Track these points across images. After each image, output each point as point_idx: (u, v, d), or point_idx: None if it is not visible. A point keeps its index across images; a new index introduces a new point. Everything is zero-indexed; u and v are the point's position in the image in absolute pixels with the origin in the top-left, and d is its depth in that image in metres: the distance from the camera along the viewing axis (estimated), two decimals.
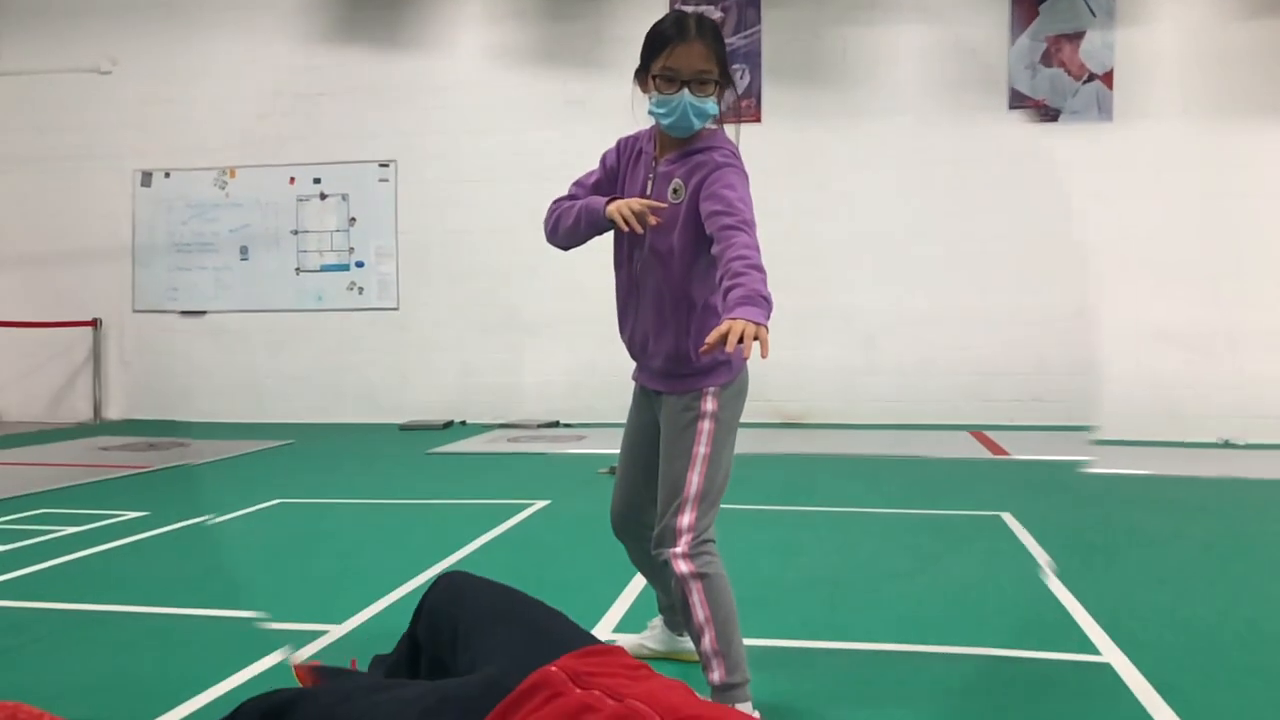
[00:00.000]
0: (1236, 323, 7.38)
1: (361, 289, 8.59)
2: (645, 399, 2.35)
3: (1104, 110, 7.56)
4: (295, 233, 8.65)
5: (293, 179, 8.61)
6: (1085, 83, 7.58)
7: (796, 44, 7.94)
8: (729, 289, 1.89)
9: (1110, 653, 2.63)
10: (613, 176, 2.31)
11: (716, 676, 2.07)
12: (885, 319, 7.81)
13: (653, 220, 2.11)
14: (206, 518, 4.49)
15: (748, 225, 2.01)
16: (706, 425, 2.15)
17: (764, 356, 1.77)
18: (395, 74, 8.41)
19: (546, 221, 2.33)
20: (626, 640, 2.58)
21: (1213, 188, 7.41)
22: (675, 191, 2.16)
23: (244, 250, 8.73)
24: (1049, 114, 7.64)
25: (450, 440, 7.25)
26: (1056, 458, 6.20)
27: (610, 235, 2.27)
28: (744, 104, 7.88)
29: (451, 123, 8.35)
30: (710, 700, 2.01)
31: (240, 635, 2.81)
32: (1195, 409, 7.32)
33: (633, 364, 2.36)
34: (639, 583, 3.15)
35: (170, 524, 4.36)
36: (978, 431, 7.32)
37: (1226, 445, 7.05)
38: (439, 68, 8.36)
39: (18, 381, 9.14)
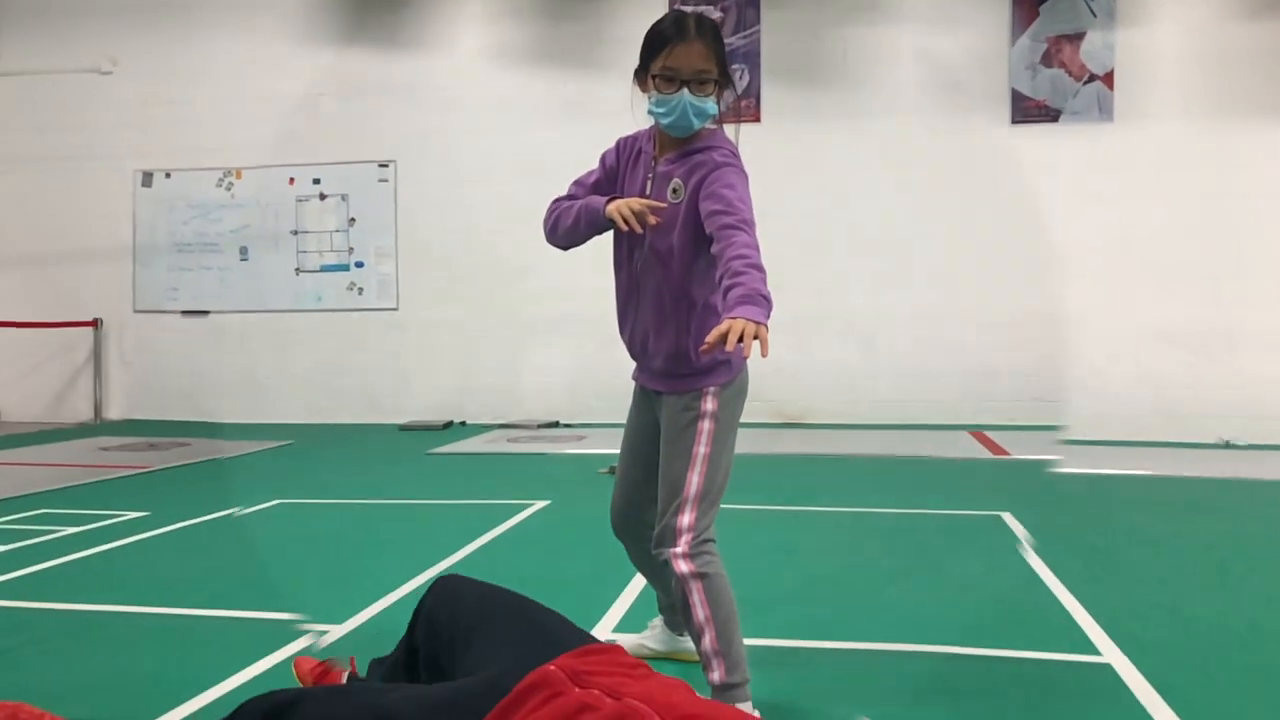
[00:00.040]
0: (1237, 323, 7.38)
1: (361, 289, 8.59)
2: (645, 399, 2.35)
3: (1104, 111, 7.56)
4: (295, 233, 8.65)
5: (292, 179, 8.61)
6: (1086, 83, 7.58)
7: (796, 44, 7.94)
8: (729, 288, 1.89)
9: (1110, 653, 2.63)
10: (612, 176, 2.31)
11: (717, 676, 2.07)
12: (885, 320, 7.81)
13: (652, 220, 2.11)
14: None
15: (747, 224, 2.02)
16: (706, 425, 2.15)
17: (764, 355, 1.78)
18: (395, 74, 8.41)
19: (546, 221, 2.33)
20: (627, 640, 2.58)
21: (1213, 188, 7.40)
22: (675, 191, 2.16)
23: (244, 251, 8.73)
24: (1049, 114, 7.64)
25: (450, 440, 7.25)
26: (1056, 458, 6.20)
27: (610, 235, 2.27)
28: (743, 104, 7.89)
29: (451, 123, 8.35)
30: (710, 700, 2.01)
31: (241, 635, 2.81)
32: (1195, 409, 7.31)
33: (633, 364, 2.36)
34: (639, 583, 3.15)
35: (171, 524, 4.36)
36: (977, 432, 7.31)
37: (1227, 446, 7.05)
38: (438, 68, 8.37)
39: (18, 381, 9.15)
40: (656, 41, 2.12)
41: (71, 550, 3.86)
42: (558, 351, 8.18)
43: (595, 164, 2.35)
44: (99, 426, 8.49)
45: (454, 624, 1.87)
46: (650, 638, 2.59)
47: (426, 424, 8.04)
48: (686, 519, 2.10)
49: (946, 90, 7.74)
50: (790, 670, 2.51)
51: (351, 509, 4.80)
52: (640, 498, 2.36)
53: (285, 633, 2.79)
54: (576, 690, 1.52)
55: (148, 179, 8.89)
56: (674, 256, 2.16)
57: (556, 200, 2.33)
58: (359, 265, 8.59)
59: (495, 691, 1.57)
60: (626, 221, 2.10)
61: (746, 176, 2.13)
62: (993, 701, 2.34)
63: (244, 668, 2.50)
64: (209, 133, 8.72)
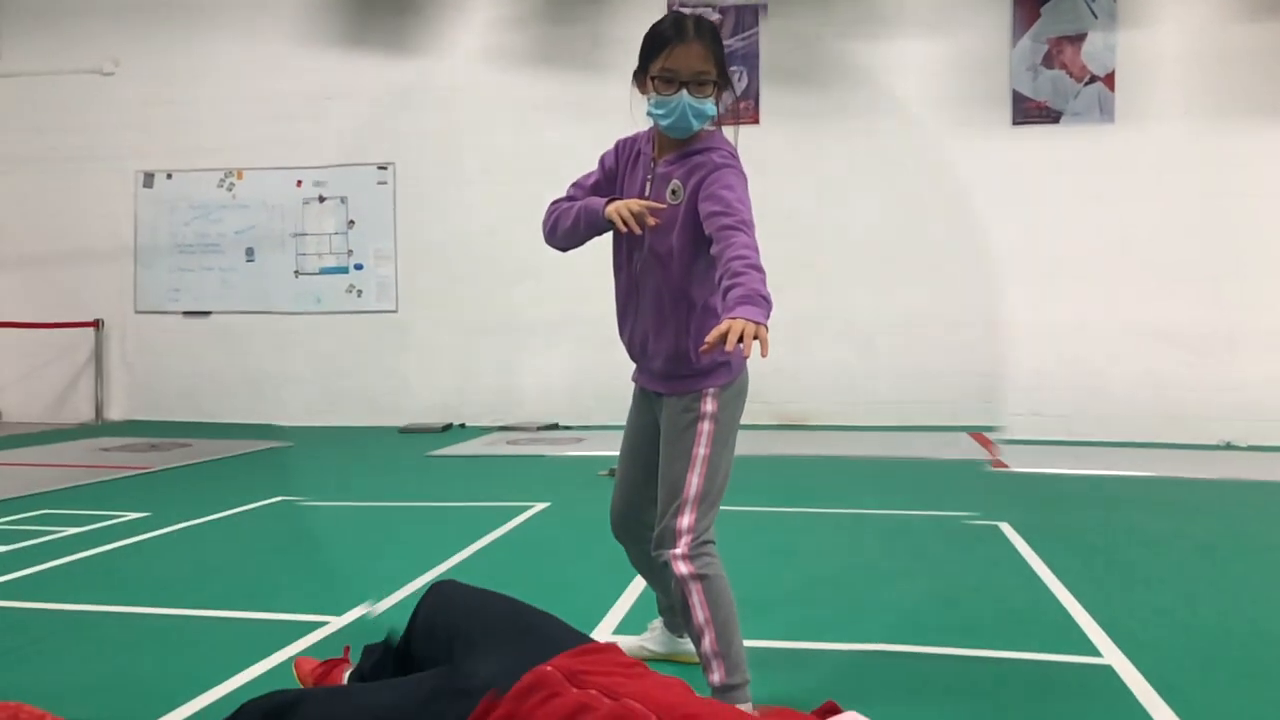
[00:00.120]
0: (1238, 324, 7.37)
1: (360, 292, 8.59)
2: (645, 400, 2.36)
3: (1105, 112, 7.56)
4: (296, 235, 8.65)
5: (299, 181, 8.62)
6: (1087, 84, 7.58)
7: (795, 46, 7.93)
8: (728, 289, 1.89)
9: (1111, 654, 2.63)
10: (611, 178, 2.31)
11: (717, 678, 2.07)
12: (885, 322, 7.79)
13: (651, 221, 2.11)
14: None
15: (746, 225, 2.02)
16: (706, 426, 2.15)
17: (764, 355, 1.78)
18: (394, 76, 8.40)
19: (545, 223, 2.33)
20: (626, 642, 2.57)
21: (1214, 189, 7.40)
22: (674, 192, 2.16)
23: (250, 252, 8.73)
24: (1051, 116, 7.63)
25: (449, 443, 7.25)
26: (1056, 460, 6.20)
27: (609, 237, 2.27)
28: (742, 105, 7.88)
29: (450, 125, 8.35)
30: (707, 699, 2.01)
31: (241, 636, 2.82)
32: (1196, 411, 7.31)
33: (632, 365, 2.36)
34: (639, 584, 3.15)
35: (172, 524, 4.36)
36: (977, 434, 7.31)
37: (1228, 447, 7.05)
38: (438, 70, 8.36)
39: (20, 382, 9.15)
40: (655, 43, 2.12)
41: (73, 551, 3.86)
42: (557, 353, 8.17)
43: (595, 166, 2.35)
44: (100, 427, 8.49)
45: (451, 628, 1.87)
46: (650, 639, 2.59)
47: (426, 426, 8.04)
48: (686, 520, 2.10)
49: (947, 91, 7.73)
50: (790, 671, 2.52)
51: (352, 511, 4.81)
52: (640, 499, 2.36)
53: (285, 633, 2.79)
54: (574, 690, 1.52)
55: (149, 180, 8.90)
56: (673, 258, 2.16)
57: (555, 202, 2.34)
58: (358, 268, 8.59)
59: (492, 683, 1.58)
60: (626, 223, 2.10)
61: (745, 178, 2.13)
62: (993, 702, 2.34)
63: (244, 668, 2.51)
64: (210, 134, 8.72)
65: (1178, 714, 2.22)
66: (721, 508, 2.18)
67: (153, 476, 5.82)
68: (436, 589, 2.03)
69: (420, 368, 8.47)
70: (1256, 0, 7.35)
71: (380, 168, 8.51)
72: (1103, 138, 7.55)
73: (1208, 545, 4.04)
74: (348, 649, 2.26)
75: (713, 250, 2.02)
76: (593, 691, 1.51)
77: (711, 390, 2.17)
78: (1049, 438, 7.34)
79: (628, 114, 2.25)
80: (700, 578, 2.07)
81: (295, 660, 2.34)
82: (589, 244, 2.31)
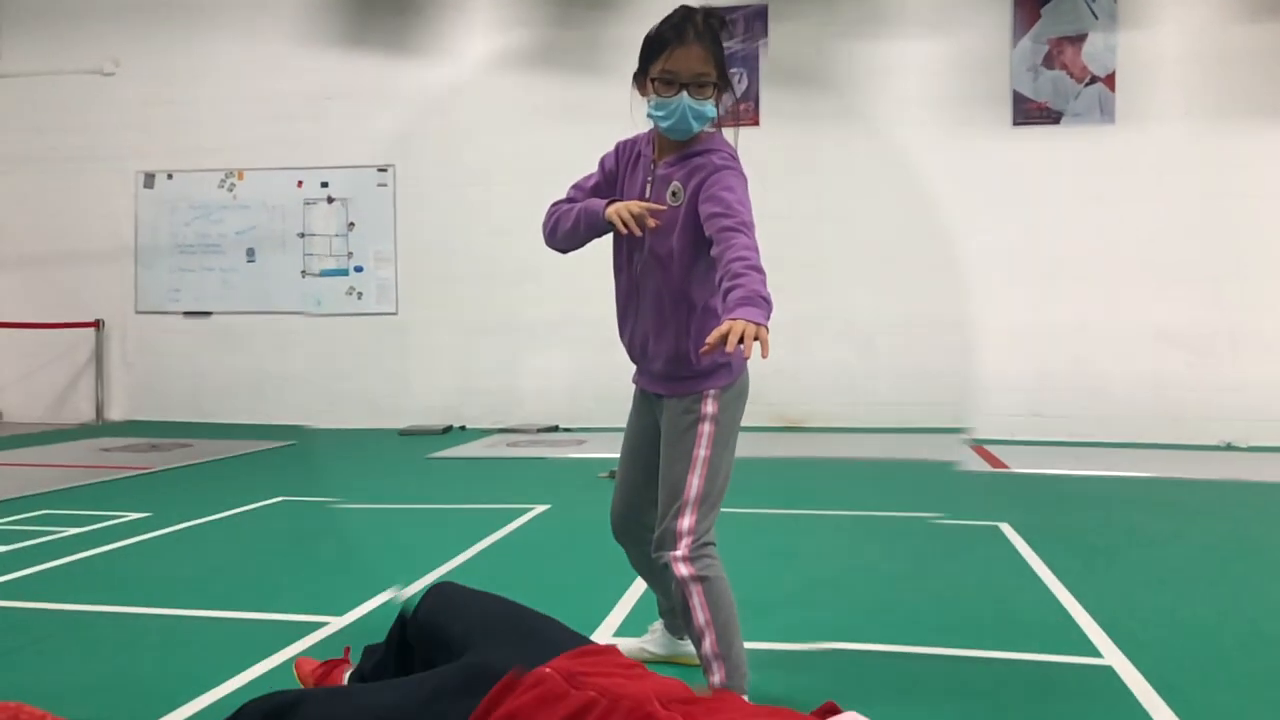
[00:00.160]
0: (1239, 325, 7.37)
1: (360, 294, 8.59)
2: (646, 402, 2.36)
3: (1106, 113, 7.56)
4: (305, 235, 8.65)
5: (300, 182, 8.62)
6: (1087, 85, 7.58)
7: (796, 47, 7.92)
8: (728, 290, 1.90)
9: (1112, 655, 2.63)
10: (611, 180, 2.31)
11: (717, 679, 2.07)
12: (885, 323, 7.78)
13: (651, 223, 2.11)
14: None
15: (747, 227, 2.02)
16: (707, 428, 2.16)
17: (764, 356, 1.78)
18: (395, 78, 8.40)
19: (545, 224, 2.33)
20: (627, 644, 2.57)
21: (1215, 189, 7.40)
22: (674, 194, 2.16)
23: (250, 253, 8.73)
24: (1051, 116, 7.63)
25: (450, 445, 7.24)
26: (1057, 460, 6.20)
27: (609, 238, 2.27)
28: (742, 107, 7.88)
29: (450, 127, 8.34)
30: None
31: (242, 636, 2.82)
32: (1197, 412, 7.31)
33: (633, 367, 2.36)
34: (639, 587, 3.15)
35: (172, 525, 4.36)
36: (977, 445, 7.31)
37: (1229, 448, 7.05)
38: (438, 72, 8.35)
39: (20, 382, 9.16)
40: (655, 44, 2.12)
41: (73, 551, 3.86)
42: (557, 355, 8.17)
43: (595, 168, 2.35)
44: (101, 427, 8.50)
45: (450, 630, 1.87)
46: (650, 641, 2.59)
47: (426, 428, 8.04)
48: (686, 522, 2.10)
49: (948, 92, 7.73)
50: (790, 671, 2.52)
51: (352, 513, 4.80)
52: (641, 501, 2.36)
53: (286, 634, 2.80)
54: (572, 692, 1.53)
55: (149, 180, 8.90)
56: (673, 259, 2.16)
57: (556, 204, 2.34)
58: (358, 270, 8.59)
59: (492, 674, 1.58)
60: (626, 224, 2.10)
61: (746, 179, 2.14)
62: (993, 703, 2.34)
63: (245, 669, 2.51)
64: (210, 134, 8.73)
65: (1178, 715, 2.22)
66: (722, 509, 2.18)
67: (153, 477, 5.83)
68: (436, 590, 2.03)
69: (420, 370, 8.46)
70: (1257, 1, 7.35)
71: (380, 169, 8.51)
72: (1103, 138, 7.55)
73: (1208, 546, 4.04)
74: (348, 649, 2.27)
75: (713, 252, 2.03)
76: (591, 693, 1.51)
77: (712, 392, 2.17)
78: (1049, 438, 7.34)
79: (629, 117, 2.25)
80: (701, 579, 2.07)
81: (296, 661, 2.35)
82: (589, 246, 2.31)
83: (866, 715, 1.58)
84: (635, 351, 2.31)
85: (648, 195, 2.20)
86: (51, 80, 8.93)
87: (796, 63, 7.90)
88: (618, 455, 2.45)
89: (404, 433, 7.98)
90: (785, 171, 7.69)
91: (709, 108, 2.13)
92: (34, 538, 4.09)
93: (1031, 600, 3.18)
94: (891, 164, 7.74)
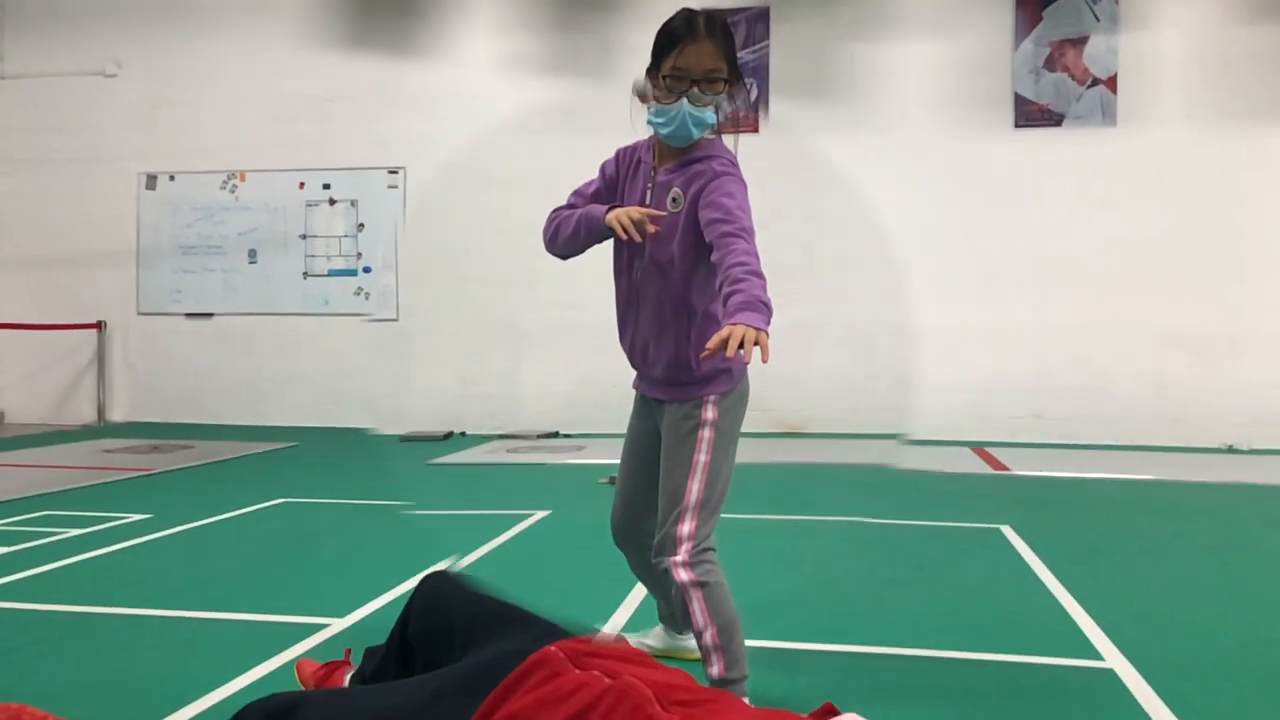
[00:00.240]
0: (1241, 327, 7.37)
1: (368, 294, 8.60)
2: (646, 407, 2.36)
3: (1108, 115, 7.56)
4: (304, 237, 8.66)
5: (302, 184, 8.63)
6: (1089, 87, 7.58)
7: (799, 54, 7.90)
8: (729, 295, 1.90)
9: (1113, 657, 2.63)
10: (612, 186, 2.32)
11: (715, 670, 2.09)
12: (886, 327, 7.77)
13: (651, 229, 2.12)
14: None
15: (747, 232, 2.03)
16: (707, 433, 2.16)
17: (764, 361, 1.78)
18: (402, 81, 8.39)
19: (546, 230, 2.34)
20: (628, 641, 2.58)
21: (1216, 192, 7.40)
22: (674, 200, 2.17)
23: (252, 254, 8.75)
24: (1053, 119, 7.63)
25: (450, 451, 7.22)
26: (1058, 462, 6.20)
27: (609, 244, 2.28)
28: (742, 114, 7.85)
29: (452, 131, 8.32)
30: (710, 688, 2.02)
31: (243, 638, 2.82)
32: (1199, 414, 7.31)
33: (633, 373, 2.37)
34: (640, 592, 3.15)
35: (174, 526, 4.37)
36: (979, 448, 7.30)
37: (1230, 450, 7.05)
38: (446, 76, 8.34)
39: (22, 383, 9.17)
40: (667, 41, 2.13)
41: (75, 552, 3.87)
42: (557, 362, 8.16)
43: (596, 174, 2.36)
44: (102, 429, 8.51)
45: (451, 622, 1.88)
46: (651, 636, 2.62)
47: (427, 434, 8.01)
48: (687, 527, 2.10)
49: (949, 94, 7.73)
50: (789, 671, 2.52)
51: (354, 517, 4.80)
52: (641, 506, 2.37)
53: (287, 635, 2.80)
54: (575, 671, 1.53)
55: (151, 181, 8.92)
56: (673, 265, 2.17)
57: (556, 210, 2.35)
58: (367, 270, 8.60)
59: (497, 672, 1.58)
60: (626, 230, 2.10)
61: (745, 185, 2.14)
62: (994, 705, 2.34)
63: (246, 670, 2.51)
64: (212, 135, 8.74)
65: (1179, 718, 2.22)
66: (722, 515, 2.19)
67: (155, 478, 5.83)
68: (431, 580, 2.03)
69: (421, 375, 8.46)
70: (1258, 3, 7.36)
71: (391, 172, 8.51)
72: (1105, 141, 7.55)
73: (1210, 548, 4.04)
74: (349, 651, 2.27)
75: (713, 257, 2.03)
76: (595, 673, 1.52)
77: (712, 397, 2.18)
78: (1050, 440, 7.34)
79: (630, 123, 2.26)
80: (701, 585, 2.08)
81: (297, 662, 2.35)
82: (590, 251, 2.31)
83: (866, 716, 1.59)
84: (635, 357, 2.31)
85: (648, 201, 2.21)
86: (53, 82, 8.95)
87: (798, 65, 7.90)
88: (618, 461, 2.45)
89: (405, 439, 7.95)
90: (786, 177, 7.67)
91: (709, 114, 2.13)
92: (35, 539, 4.10)
93: (1033, 603, 3.19)
94: (893, 166, 7.74)
